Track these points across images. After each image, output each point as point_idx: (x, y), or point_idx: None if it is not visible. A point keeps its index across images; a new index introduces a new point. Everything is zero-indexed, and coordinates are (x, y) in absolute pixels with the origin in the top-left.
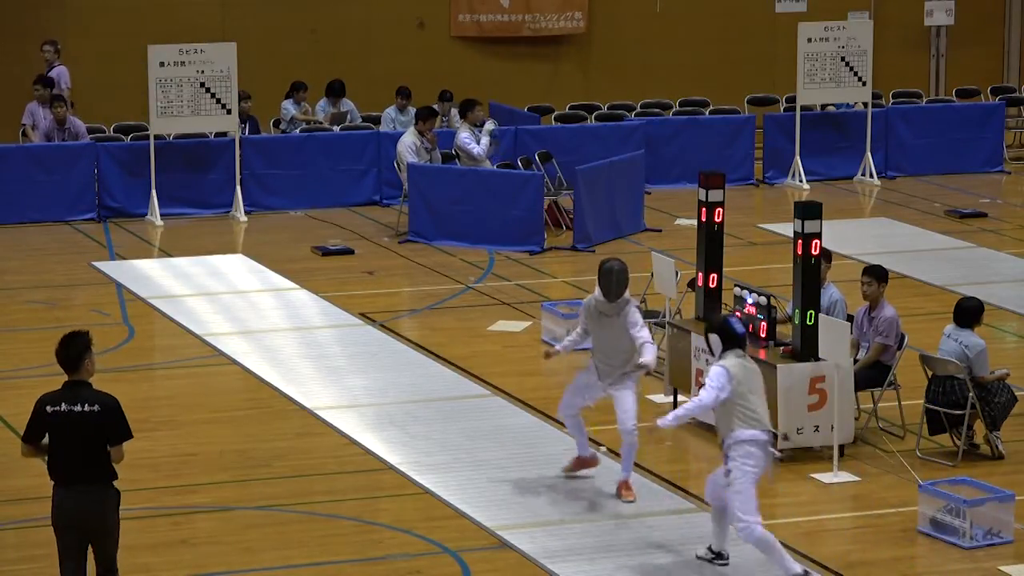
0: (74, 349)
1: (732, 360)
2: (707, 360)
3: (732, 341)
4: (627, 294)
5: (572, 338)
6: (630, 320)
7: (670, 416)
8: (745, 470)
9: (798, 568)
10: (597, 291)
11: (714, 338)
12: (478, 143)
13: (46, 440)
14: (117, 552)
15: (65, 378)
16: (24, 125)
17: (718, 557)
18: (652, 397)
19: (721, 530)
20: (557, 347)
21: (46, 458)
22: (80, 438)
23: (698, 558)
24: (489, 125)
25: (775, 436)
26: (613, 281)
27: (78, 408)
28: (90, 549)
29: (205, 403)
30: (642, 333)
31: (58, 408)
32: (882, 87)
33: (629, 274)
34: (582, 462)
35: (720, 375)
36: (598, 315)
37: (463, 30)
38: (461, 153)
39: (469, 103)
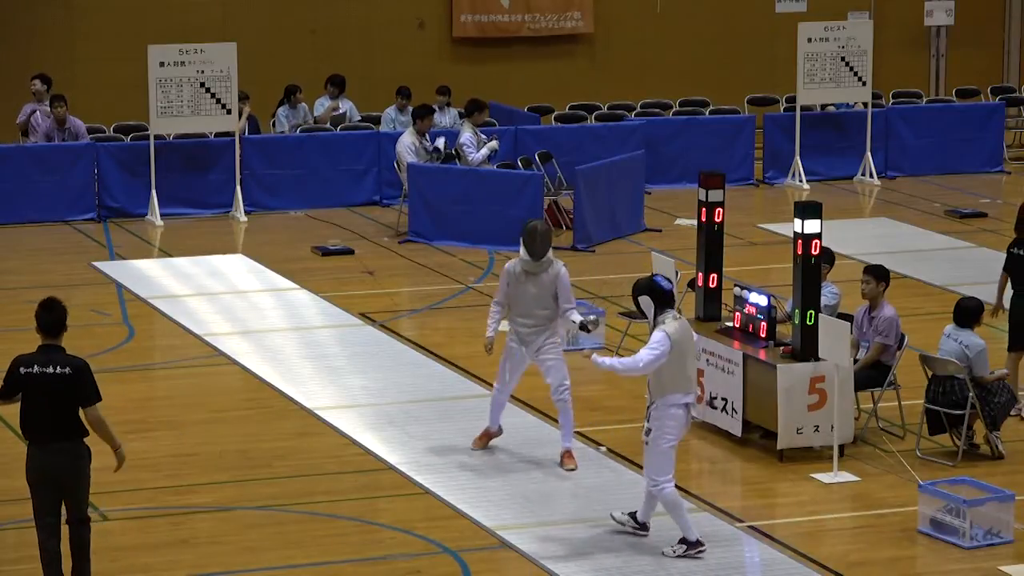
0: (57, 314)
1: (671, 324)
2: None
3: (663, 299)
4: (551, 254)
5: (496, 315)
6: (561, 283)
7: (607, 361)
8: (666, 432)
9: (694, 536)
10: (522, 252)
11: (645, 300)
12: (478, 147)
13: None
14: (88, 503)
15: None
16: (20, 123)
17: (641, 528)
18: None
19: (650, 504)
20: (489, 333)
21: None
22: (52, 399)
23: (613, 518)
24: (493, 144)
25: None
26: (537, 241)
27: (50, 370)
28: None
29: (205, 403)
30: (571, 300)
31: (31, 370)
32: (882, 87)
33: (552, 235)
34: (488, 434)
35: (663, 341)
36: (524, 276)
37: (464, 30)
38: (460, 153)
39: (476, 104)
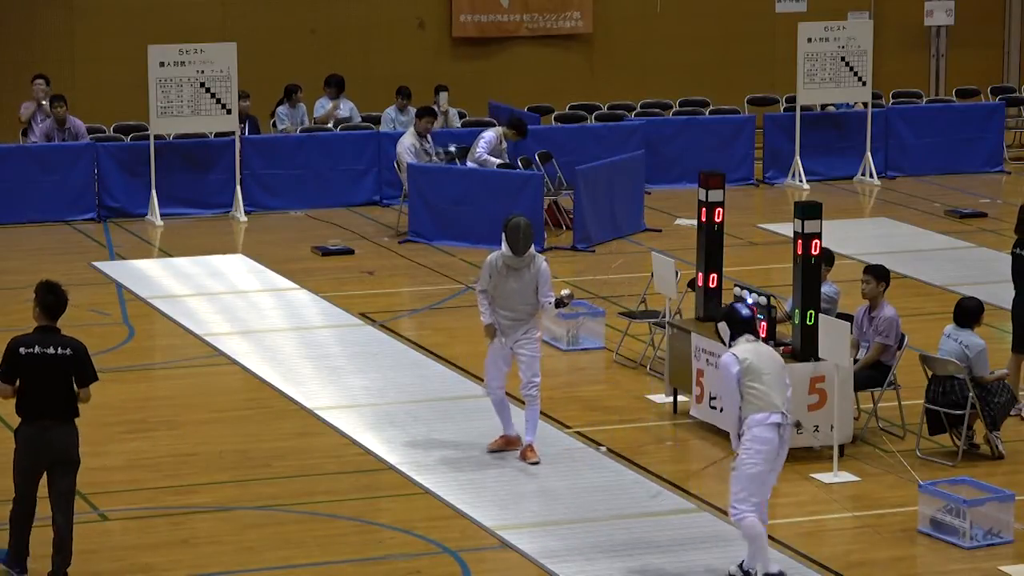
0: (60, 297)
1: (741, 346)
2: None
3: (739, 325)
4: (533, 248)
5: (485, 302)
6: (542, 277)
7: (734, 443)
8: (751, 453)
9: (774, 569)
10: (504, 247)
11: (722, 326)
12: (493, 151)
13: None
14: (75, 485)
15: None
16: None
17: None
18: (653, 397)
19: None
20: (487, 320)
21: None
22: (51, 378)
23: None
24: (498, 161)
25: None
26: (520, 236)
27: (51, 351)
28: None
29: (205, 403)
30: (548, 294)
31: (32, 350)
32: (882, 87)
33: (533, 229)
34: (509, 441)
35: (729, 363)
36: (506, 270)
37: (463, 30)
38: (474, 147)
39: (520, 125)
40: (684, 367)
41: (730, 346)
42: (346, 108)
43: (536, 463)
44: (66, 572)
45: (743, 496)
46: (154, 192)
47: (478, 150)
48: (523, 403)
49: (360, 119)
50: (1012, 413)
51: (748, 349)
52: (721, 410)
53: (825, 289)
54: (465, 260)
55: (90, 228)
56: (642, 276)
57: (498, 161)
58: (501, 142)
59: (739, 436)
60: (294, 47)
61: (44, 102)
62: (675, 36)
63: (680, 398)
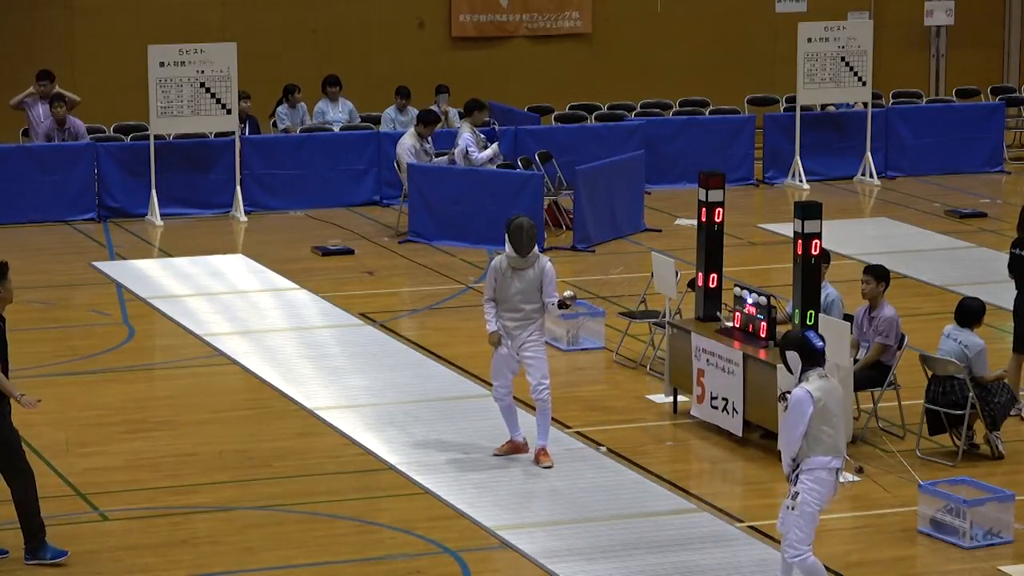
0: None
1: (815, 383)
2: (789, 382)
3: (812, 358)
4: (537, 248)
5: (491, 310)
6: (547, 277)
7: (786, 468)
8: (813, 495)
9: None
10: (508, 248)
11: (792, 355)
12: (479, 147)
13: None
14: (14, 459)
15: None
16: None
17: None
18: (652, 397)
19: (787, 572)
20: (492, 328)
21: None
22: None
23: None
24: (495, 147)
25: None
26: (524, 236)
27: None
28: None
29: (205, 403)
30: (552, 294)
31: None
32: (882, 87)
33: (536, 229)
34: (515, 447)
35: (804, 402)
36: (511, 272)
37: (463, 30)
38: (460, 156)
39: (476, 104)
40: (684, 367)
41: (800, 379)
42: (344, 109)
43: (550, 467)
44: (41, 536)
45: (802, 536)
46: (154, 192)
47: (473, 156)
48: (533, 408)
49: (359, 119)
50: (1012, 413)
51: (822, 387)
52: (767, 435)
53: (831, 293)
54: (465, 260)
55: (90, 228)
56: (642, 276)
57: (491, 153)
58: (476, 134)
59: (795, 472)
60: (294, 47)
61: (43, 104)
62: (675, 36)
63: (680, 398)
